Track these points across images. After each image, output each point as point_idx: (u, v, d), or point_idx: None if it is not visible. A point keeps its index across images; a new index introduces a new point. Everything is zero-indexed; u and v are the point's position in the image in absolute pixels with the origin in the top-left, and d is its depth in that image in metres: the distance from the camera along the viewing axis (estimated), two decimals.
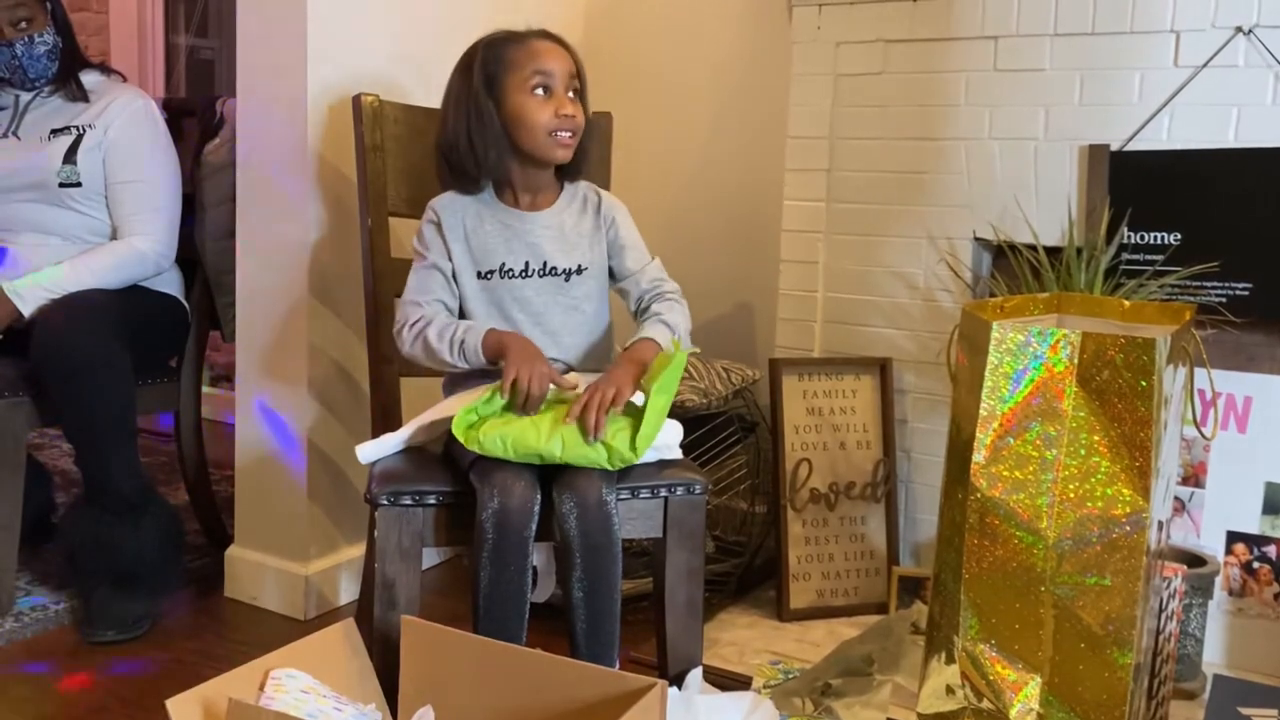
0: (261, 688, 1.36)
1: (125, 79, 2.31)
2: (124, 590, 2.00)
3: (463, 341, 1.58)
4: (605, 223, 1.72)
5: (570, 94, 1.63)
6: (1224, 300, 1.90)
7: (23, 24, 2.12)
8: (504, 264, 1.66)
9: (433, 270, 1.66)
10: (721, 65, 2.56)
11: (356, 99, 1.86)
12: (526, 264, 1.66)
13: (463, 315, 1.69)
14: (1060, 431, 1.38)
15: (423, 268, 1.67)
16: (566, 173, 1.72)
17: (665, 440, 1.65)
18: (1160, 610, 1.56)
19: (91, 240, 2.16)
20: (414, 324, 1.62)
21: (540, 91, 1.61)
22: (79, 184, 2.13)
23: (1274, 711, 1.66)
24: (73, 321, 1.96)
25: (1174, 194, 1.95)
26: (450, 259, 1.67)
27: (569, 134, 1.63)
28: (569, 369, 1.68)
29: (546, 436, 1.47)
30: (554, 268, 1.67)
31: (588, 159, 1.72)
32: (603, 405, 1.48)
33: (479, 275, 1.67)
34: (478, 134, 1.63)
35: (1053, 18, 2.01)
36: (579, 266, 1.68)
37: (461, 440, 1.47)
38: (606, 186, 1.92)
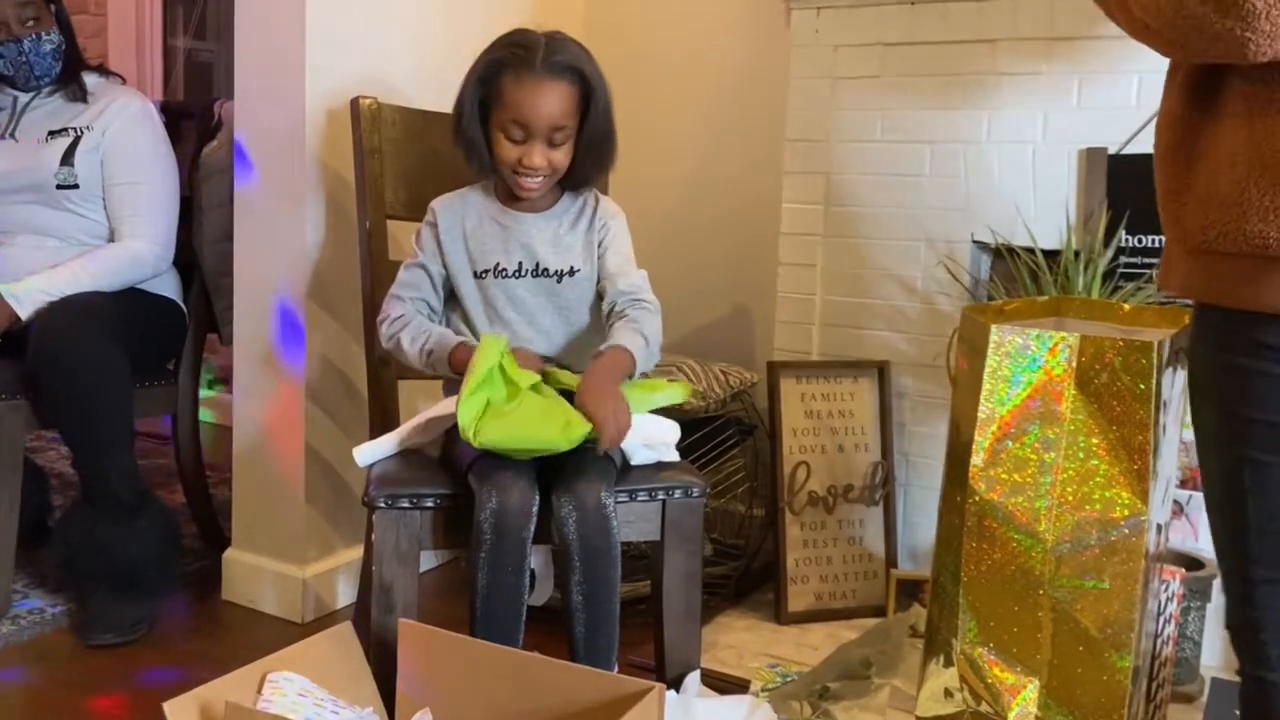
0: (259, 690, 1.35)
1: (124, 81, 2.32)
2: (121, 593, 2.00)
3: (431, 351, 1.60)
4: (599, 225, 1.71)
5: (548, 143, 1.61)
6: None
7: (30, 22, 2.12)
8: (498, 264, 1.67)
9: (421, 270, 1.68)
10: (720, 68, 2.56)
11: (354, 101, 1.86)
12: (520, 264, 1.67)
13: (461, 314, 1.69)
14: (1059, 434, 1.38)
15: (413, 265, 1.70)
16: (567, 184, 1.72)
17: (663, 441, 1.65)
18: (1158, 613, 1.56)
19: (89, 242, 2.16)
20: (394, 320, 1.65)
21: (515, 136, 1.60)
22: (76, 186, 2.13)
23: None
24: (70, 324, 1.95)
25: None
26: (444, 262, 1.68)
27: (533, 180, 1.63)
28: (564, 369, 1.68)
29: (542, 424, 1.47)
30: (546, 269, 1.67)
31: (587, 177, 1.70)
32: (620, 437, 1.50)
33: (475, 275, 1.67)
34: (463, 144, 1.66)
35: (1050, 20, 2.01)
36: (571, 269, 1.68)
37: (463, 432, 1.46)
38: (605, 189, 1.92)
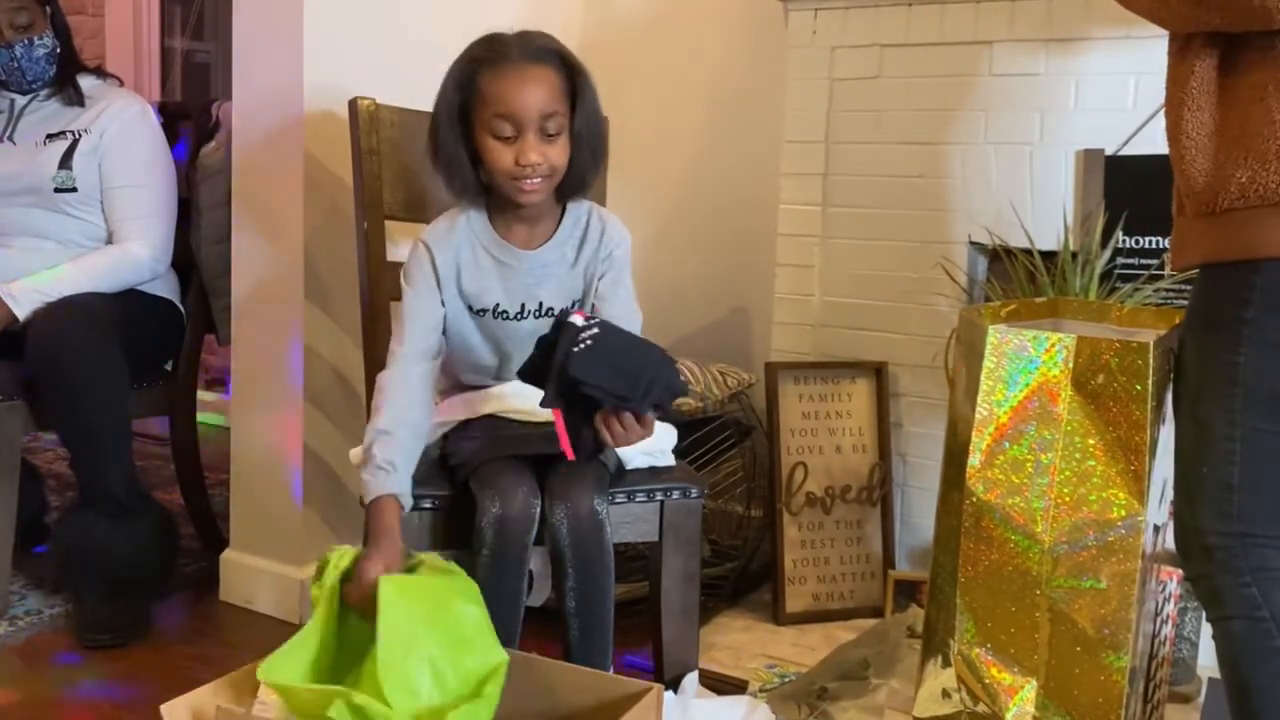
0: (254, 694, 1.35)
1: (122, 83, 2.31)
2: (119, 594, 1.99)
3: (364, 478, 1.46)
4: (602, 256, 1.59)
5: (541, 134, 1.47)
6: None
7: (23, 27, 2.12)
8: (498, 305, 1.57)
9: (418, 312, 1.55)
10: (717, 70, 2.56)
11: (352, 102, 1.86)
12: (522, 306, 1.57)
13: (458, 345, 1.61)
14: (1055, 435, 1.38)
15: (411, 302, 1.55)
16: (565, 192, 1.58)
17: (660, 445, 1.65)
18: (1156, 614, 1.56)
19: (87, 245, 2.16)
20: (384, 385, 1.51)
21: (505, 133, 1.47)
22: (75, 189, 2.13)
23: None
24: (68, 325, 1.95)
25: (1169, 198, 1.94)
26: (442, 300, 1.56)
27: (535, 180, 1.49)
28: None
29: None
30: (550, 309, 1.58)
31: (584, 175, 1.56)
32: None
33: (471, 310, 1.58)
34: (443, 163, 1.53)
35: (1047, 22, 2.01)
36: (574, 303, 1.60)
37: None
38: (603, 190, 1.91)
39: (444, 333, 1.59)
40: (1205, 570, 1.28)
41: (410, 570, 1.37)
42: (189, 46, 3.75)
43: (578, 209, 1.61)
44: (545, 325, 1.50)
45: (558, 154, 1.50)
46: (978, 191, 2.12)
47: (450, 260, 1.55)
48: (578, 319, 1.34)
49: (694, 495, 1.60)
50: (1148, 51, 1.93)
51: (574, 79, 1.51)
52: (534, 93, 1.47)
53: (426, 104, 1.89)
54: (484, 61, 1.49)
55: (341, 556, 1.35)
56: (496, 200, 1.57)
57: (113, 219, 2.16)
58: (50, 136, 2.15)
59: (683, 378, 1.48)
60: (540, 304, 1.57)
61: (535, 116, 1.47)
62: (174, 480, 2.41)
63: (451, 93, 1.51)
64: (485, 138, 1.49)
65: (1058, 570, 1.38)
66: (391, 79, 2.10)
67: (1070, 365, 1.37)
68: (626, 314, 1.59)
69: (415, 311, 1.55)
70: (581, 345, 1.32)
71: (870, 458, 2.20)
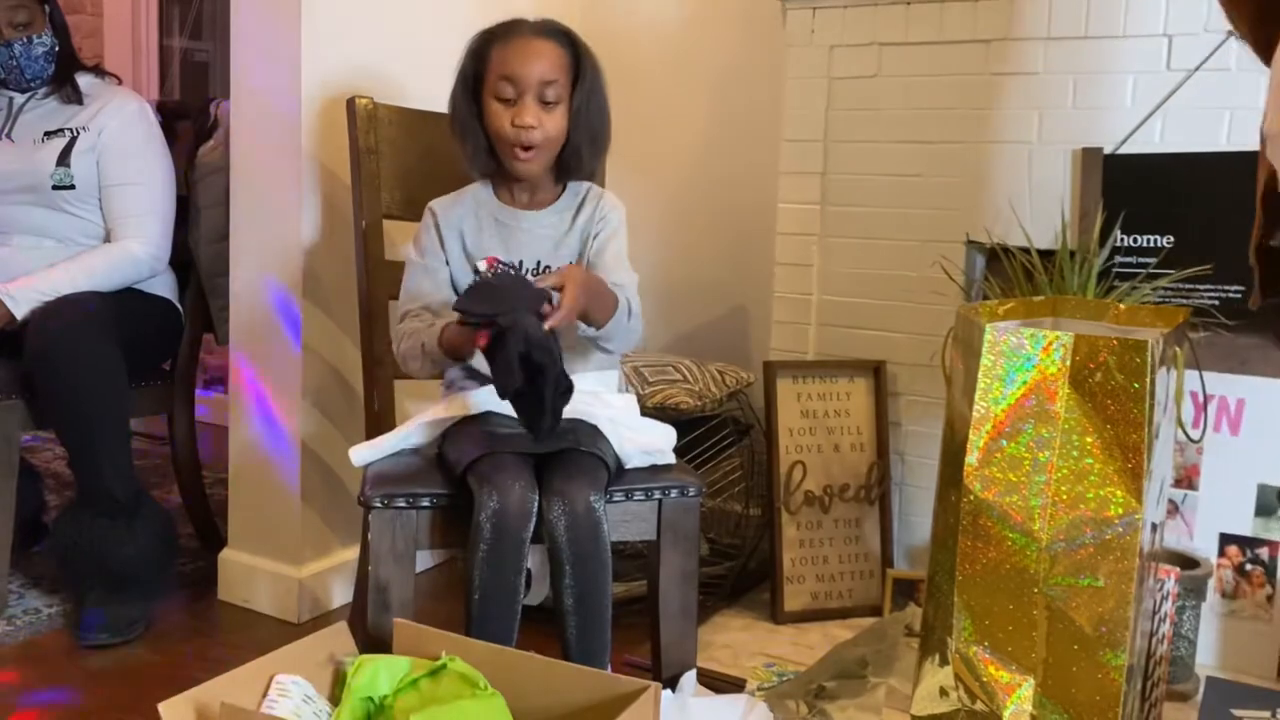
0: (265, 693, 1.35)
1: (120, 81, 2.32)
2: (117, 593, 2.00)
3: (423, 344, 1.57)
4: (598, 218, 1.68)
5: (539, 101, 1.58)
6: (1216, 303, 1.91)
7: (22, 25, 2.12)
8: (496, 259, 1.64)
9: (425, 275, 1.65)
10: (716, 68, 2.56)
11: (351, 101, 1.86)
12: (520, 263, 1.65)
13: None
14: (1053, 433, 1.38)
15: (415, 272, 1.67)
16: (563, 171, 1.69)
17: (659, 444, 1.65)
18: (1154, 612, 1.57)
19: (86, 243, 2.16)
20: (397, 339, 1.63)
21: (506, 95, 1.58)
22: (73, 187, 2.13)
23: (1266, 713, 1.67)
24: (66, 324, 1.95)
25: (1167, 197, 1.95)
26: (448, 262, 1.66)
27: (528, 148, 1.59)
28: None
29: None
30: (548, 267, 1.65)
31: (581, 164, 1.67)
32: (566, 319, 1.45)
33: (476, 272, 1.64)
34: (458, 128, 1.65)
35: (1046, 21, 2.01)
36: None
37: None
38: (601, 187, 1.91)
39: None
40: None
41: (435, 673, 1.36)
42: (187, 45, 3.75)
43: (577, 186, 1.72)
44: None
45: (554, 123, 1.60)
46: (976, 190, 2.12)
47: (454, 224, 1.66)
48: (481, 264, 1.56)
49: (692, 494, 1.60)
50: (1146, 50, 1.94)
51: (579, 59, 1.62)
52: (537, 60, 1.58)
53: (425, 103, 1.90)
54: (498, 34, 1.62)
55: (358, 670, 1.36)
56: (502, 171, 1.67)
57: (111, 217, 2.16)
58: (48, 134, 2.15)
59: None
60: (538, 262, 1.65)
61: (535, 82, 1.58)
62: (172, 479, 2.41)
63: (468, 63, 1.64)
64: (490, 101, 1.60)
65: (1055, 568, 1.38)
66: (390, 78, 2.11)
67: (1068, 363, 1.37)
68: (618, 268, 1.65)
69: (421, 272, 1.65)
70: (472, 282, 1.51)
71: (868, 456, 2.20)
